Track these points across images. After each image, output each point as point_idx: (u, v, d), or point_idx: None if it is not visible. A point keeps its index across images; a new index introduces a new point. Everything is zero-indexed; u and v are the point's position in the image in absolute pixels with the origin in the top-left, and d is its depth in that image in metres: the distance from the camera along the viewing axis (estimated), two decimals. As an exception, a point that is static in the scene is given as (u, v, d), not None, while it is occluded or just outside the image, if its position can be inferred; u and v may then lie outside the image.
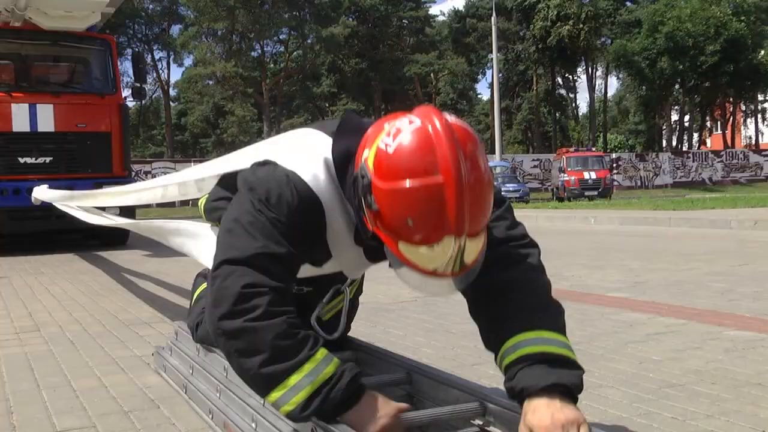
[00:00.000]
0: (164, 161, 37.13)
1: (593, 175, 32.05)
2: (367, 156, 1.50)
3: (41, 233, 10.44)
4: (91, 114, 9.92)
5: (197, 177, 2.79)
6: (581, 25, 50.24)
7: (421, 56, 51.78)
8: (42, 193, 6.63)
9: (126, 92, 11.56)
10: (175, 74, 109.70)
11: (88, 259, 8.72)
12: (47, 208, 6.97)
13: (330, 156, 1.70)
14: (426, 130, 1.43)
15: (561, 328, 1.66)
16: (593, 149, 38.46)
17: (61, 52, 10.51)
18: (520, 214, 14.75)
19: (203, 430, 2.24)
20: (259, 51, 50.69)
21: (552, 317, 1.67)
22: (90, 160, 9.82)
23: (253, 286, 1.57)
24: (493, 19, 34.91)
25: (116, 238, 10.07)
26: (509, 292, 1.67)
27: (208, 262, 2.03)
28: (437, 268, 1.48)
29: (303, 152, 1.74)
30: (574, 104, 66.48)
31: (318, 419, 1.57)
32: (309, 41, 49.50)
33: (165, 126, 54.26)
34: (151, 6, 50.71)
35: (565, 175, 32.75)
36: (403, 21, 53.43)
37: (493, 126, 36.31)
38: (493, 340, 1.69)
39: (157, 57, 53.53)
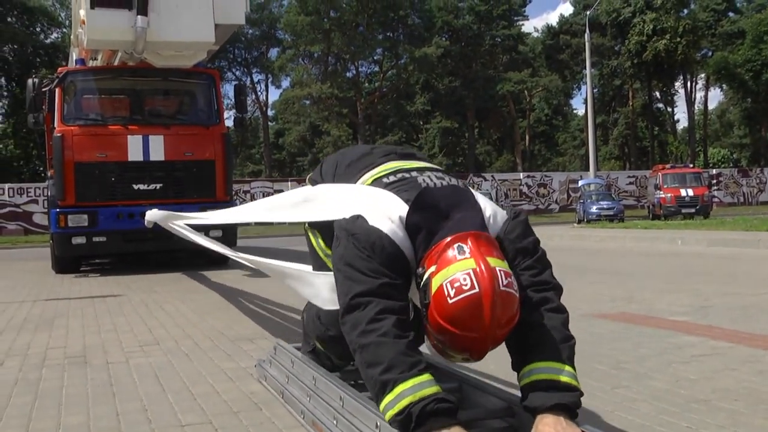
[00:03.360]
0: (262, 180, 38.63)
1: (690, 192, 31.29)
2: (432, 275, 2.00)
3: (152, 253, 11.35)
4: (197, 143, 10.75)
5: (284, 218, 3.24)
6: (679, 39, 49.14)
7: (514, 74, 51.80)
8: (153, 215, 7.34)
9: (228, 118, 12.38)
10: (273, 95, 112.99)
11: (194, 278, 9.48)
12: (157, 230, 7.69)
13: (404, 219, 2.18)
14: (479, 303, 1.90)
15: (567, 359, 2.14)
16: (691, 165, 37.50)
17: (171, 86, 11.44)
18: (609, 234, 14.91)
19: (297, 427, 2.73)
20: (354, 72, 51.93)
21: (561, 351, 2.14)
22: (196, 186, 10.63)
23: (382, 312, 2.06)
24: (586, 35, 34.65)
25: (219, 258, 10.84)
26: (529, 330, 2.14)
27: (310, 296, 2.79)
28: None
29: (383, 212, 2.22)
30: (672, 119, 64.80)
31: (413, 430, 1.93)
32: (402, 61, 50.35)
33: (263, 145, 56.19)
34: (250, 31, 52.80)
35: (661, 192, 32.09)
36: (496, 39, 53.61)
37: (588, 142, 35.96)
38: (516, 364, 2.19)
39: (256, 79, 55.73)
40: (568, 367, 2.12)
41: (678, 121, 69.84)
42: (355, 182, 2.55)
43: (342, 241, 2.26)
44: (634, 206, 39.34)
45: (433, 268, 1.99)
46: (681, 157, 56.89)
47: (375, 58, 53.29)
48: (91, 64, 11.59)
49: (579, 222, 30.07)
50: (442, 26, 51.91)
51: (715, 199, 38.49)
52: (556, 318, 2.19)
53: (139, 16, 9.09)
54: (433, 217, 2.14)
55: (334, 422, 2.39)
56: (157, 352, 4.42)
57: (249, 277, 9.21)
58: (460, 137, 59.90)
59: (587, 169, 35.89)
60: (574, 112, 71.13)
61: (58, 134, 10.05)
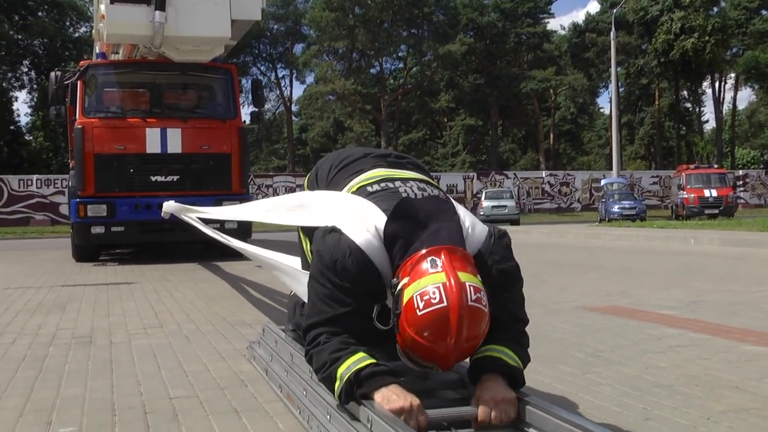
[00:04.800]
0: (285, 175, 38.95)
1: (714, 193, 31.10)
2: (404, 286, 2.08)
3: (168, 244, 11.61)
4: (213, 137, 10.99)
5: (279, 220, 3.41)
6: (707, 38, 48.58)
7: (538, 72, 51.65)
8: (170, 206, 7.57)
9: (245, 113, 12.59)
10: (297, 91, 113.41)
11: (208, 268, 9.72)
12: (174, 222, 7.93)
13: (382, 229, 2.28)
14: (446, 317, 1.98)
15: (519, 353, 2.30)
16: (715, 166, 37.19)
17: (189, 81, 11.68)
18: (623, 233, 14.95)
19: (276, 402, 2.90)
20: (378, 68, 52.09)
21: (515, 348, 2.30)
22: (212, 179, 10.88)
23: (328, 337, 2.26)
24: (612, 33, 34.42)
25: (233, 249, 11.05)
26: (493, 332, 2.23)
27: (296, 291, 3.08)
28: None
29: (362, 222, 2.33)
30: (699, 119, 64.13)
31: (355, 398, 2.14)
32: (427, 58, 50.40)
33: (287, 141, 56.56)
34: (275, 26, 53.16)
35: (685, 192, 31.92)
36: (521, 37, 53.48)
37: (612, 141, 35.79)
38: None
39: (280, 75, 56.04)
40: (515, 356, 2.27)
41: (707, 121, 69.02)
42: (342, 188, 2.66)
43: (314, 257, 2.42)
44: (657, 206, 39.14)
45: (406, 280, 2.09)
46: (708, 158, 56.35)
47: (399, 54, 53.45)
48: (112, 58, 11.88)
49: (600, 221, 30.01)
50: (467, 23, 51.86)
51: (741, 201, 38.16)
52: (517, 334, 2.36)
53: (157, 12, 9.34)
54: (410, 228, 2.22)
55: (304, 393, 2.57)
56: (159, 334, 4.62)
57: (260, 268, 9.40)
58: (484, 135, 59.85)
59: (612, 168, 35.73)
60: (600, 110, 70.71)
61: (79, 126, 10.34)
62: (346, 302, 2.26)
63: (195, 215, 6.54)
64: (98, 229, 10.41)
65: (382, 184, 2.52)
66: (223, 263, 10.15)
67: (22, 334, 4.75)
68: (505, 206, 31.37)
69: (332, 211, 2.52)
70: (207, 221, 6.32)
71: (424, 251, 2.09)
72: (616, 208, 30.11)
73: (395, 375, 2.19)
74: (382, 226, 2.28)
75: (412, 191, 2.44)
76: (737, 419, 2.56)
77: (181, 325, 5.00)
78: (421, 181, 2.56)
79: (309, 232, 2.84)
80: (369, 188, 2.52)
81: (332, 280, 2.27)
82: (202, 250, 12.10)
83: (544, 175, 41.45)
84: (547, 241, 15.43)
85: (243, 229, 10.31)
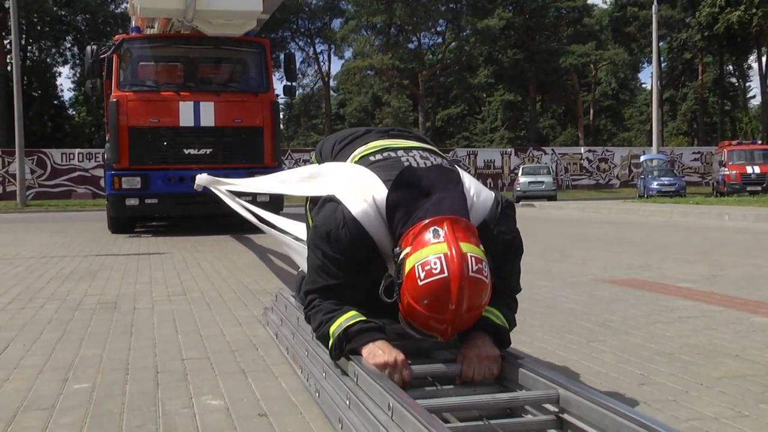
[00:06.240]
0: (322, 150, 38.98)
1: (757, 170, 30.43)
2: (407, 256, 2.11)
3: (201, 216, 11.81)
4: (246, 110, 11.09)
5: (290, 191, 3.50)
6: (754, 10, 47.22)
7: (578, 47, 50.83)
8: (202, 179, 7.71)
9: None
10: (335, 66, 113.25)
11: (239, 240, 9.88)
12: (206, 194, 8.05)
13: (383, 200, 2.31)
14: (447, 287, 2.00)
15: (507, 315, 2.38)
16: (759, 142, 36.32)
17: (222, 54, 11.79)
18: (657, 209, 14.79)
19: (283, 364, 3.00)
20: (416, 43, 51.79)
21: (504, 311, 2.37)
22: (244, 152, 11.00)
23: (321, 301, 2.38)
24: (654, 7, 33.67)
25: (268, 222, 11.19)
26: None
27: (302, 267, 3.21)
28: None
29: (359, 192, 2.36)
30: (745, 94, 62.59)
31: (346, 353, 2.24)
32: (465, 33, 49.95)
33: (325, 116, 56.68)
34: (313, 1, 53.13)
35: (726, 169, 31.32)
36: (561, 11, 52.65)
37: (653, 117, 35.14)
38: None
39: (318, 50, 56.03)
40: (503, 317, 2.34)
41: (754, 96, 67.28)
42: (346, 159, 2.70)
43: (311, 227, 2.51)
44: (698, 183, 38.49)
45: (408, 249, 2.11)
46: (753, 134, 55.06)
47: (437, 29, 53.05)
48: (147, 32, 12.02)
49: (639, 197, 29.64)
50: (506, -3, 51.22)
51: (786, 178, 37.31)
52: (508, 300, 2.44)
53: (189, -15, 9.43)
54: (412, 196, 2.23)
55: (306, 353, 2.66)
56: (181, 301, 4.76)
57: (296, 240, 9.53)
58: (522, 110, 59.27)
59: (650, 144, 35.18)
60: (642, 86, 69.45)
61: (114, 99, 10.53)
62: (338, 275, 2.33)
63: (225, 188, 6.71)
64: (132, 201, 10.62)
65: (384, 154, 2.54)
66: (255, 236, 10.29)
67: (51, 299, 4.92)
68: (542, 182, 31.14)
69: (334, 180, 2.55)
70: (239, 194, 6.46)
71: (427, 221, 2.10)
72: (655, 185, 29.71)
73: (383, 332, 2.26)
74: (380, 196, 2.30)
75: (415, 160, 2.45)
76: (731, 385, 2.59)
77: (204, 292, 5.14)
78: (424, 150, 2.58)
79: (315, 202, 2.91)
80: (371, 158, 2.55)
81: (325, 252, 2.34)
82: (235, 223, 12.23)
83: (582, 151, 40.99)
84: (579, 216, 15.34)
85: (275, 202, 10.43)
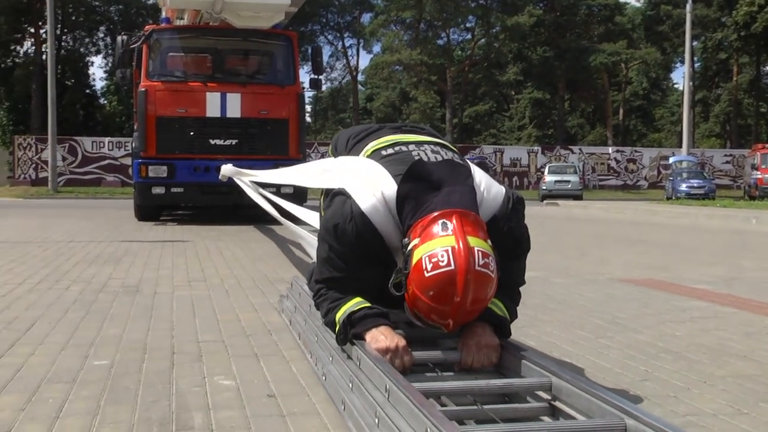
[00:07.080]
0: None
1: (791, 174, 30.05)
2: (415, 247, 2.16)
3: (226, 206, 11.95)
4: (272, 102, 11.20)
5: (307, 183, 3.64)
6: (795, 9, 46.44)
7: (608, 45, 50.38)
8: (227, 170, 7.80)
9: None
10: (364, 61, 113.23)
11: (262, 230, 10.00)
12: (231, 184, 8.15)
13: (391, 195, 2.36)
14: (452, 280, 2.05)
15: (509, 307, 2.45)
16: (793, 146, 35.76)
17: (250, 47, 11.91)
18: (682, 211, 14.69)
19: (295, 349, 3.08)
20: (445, 39, 51.69)
21: (506, 302, 2.43)
22: (270, 143, 11.11)
23: (324, 288, 2.49)
24: (688, 6, 33.17)
25: (287, 213, 11.29)
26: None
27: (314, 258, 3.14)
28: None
29: (369, 187, 2.42)
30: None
31: (350, 338, 2.32)
32: (495, 30, 49.76)
33: (353, 110, 56.81)
34: (344, -4, 53.19)
35: (759, 172, 30.93)
36: (592, 9, 52.24)
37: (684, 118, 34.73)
38: None
39: (347, 44, 56.12)
40: (504, 308, 2.40)
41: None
42: (359, 153, 2.75)
43: (322, 219, 2.61)
44: (729, 186, 38.00)
45: (416, 241, 2.16)
46: (788, 137, 54.14)
47: (467, 26, 52.90)
48: (177, 23, 12.18)
49: (667, 199, 29.38)
50: (537, -6, 50.94)
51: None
52: (511, 292, 2.50)
53: (217, -22, 9.55)
54: (422, 189, 2.28)
55: (315, 339, 2.75)
56: (201, 287, 4.87)
57: (311, 232, 9.64)
58: (551, 109, 58.90)
59: (680, 146, 34.80)
60: (674, 86, 68.63)
61: (142, 89, 10.69)
62: (344, 268, 2.42)
63: (248, 179, 6.82)
64: (158, 190, 10.78)
65: (396, 148, 2.59)
66: (277, 227, 10.39)
67: (77, 281, 5.06)
68: (568, 181, 31.00)
69: (345, 174, 2.62)
70: (264, 185, 6.57)
71: (436, 213, 2.14)
72: (683, 187, 29.46)
73: (387, 317, 2.33)
74: (389, 191, 2.35)
75: (426, 154, 2.49)
76: (734, 383, 2.62)
77: (224, 280, 5.24)
78: (435, 144, 2.63)
79: (328, 195, 3.00)
80: (383, 152, 2.60)
81: (332, 245, 2.42)
82: (258, 214, 12.32)
83: (610, 151, 40.70)
84: (603, 216, 15.28)
85: (298, 194, 10.52)
